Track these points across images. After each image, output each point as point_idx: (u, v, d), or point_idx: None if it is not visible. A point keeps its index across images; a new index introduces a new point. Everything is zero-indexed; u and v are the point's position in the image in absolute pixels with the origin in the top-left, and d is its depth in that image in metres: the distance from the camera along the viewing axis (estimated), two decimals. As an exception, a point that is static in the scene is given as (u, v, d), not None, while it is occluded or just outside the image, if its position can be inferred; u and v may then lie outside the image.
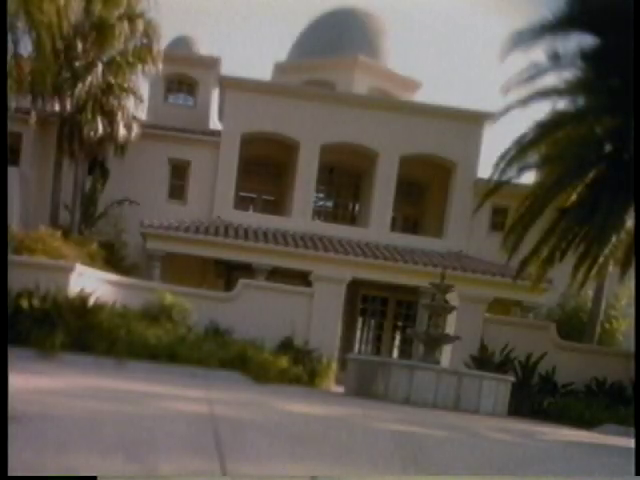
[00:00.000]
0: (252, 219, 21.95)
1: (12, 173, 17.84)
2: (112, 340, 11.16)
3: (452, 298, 14.32)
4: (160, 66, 19.73)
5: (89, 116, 18.71)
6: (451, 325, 14.85)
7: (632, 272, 15.30)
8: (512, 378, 13.11)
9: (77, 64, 18.72)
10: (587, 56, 14.66)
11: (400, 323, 22.95)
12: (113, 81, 19.22)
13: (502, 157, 15.61)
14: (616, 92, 14.09)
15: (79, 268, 13.10)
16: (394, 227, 23.12)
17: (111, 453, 2.15)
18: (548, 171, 16.08)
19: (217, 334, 13.44)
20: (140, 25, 19.07)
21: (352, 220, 24.22)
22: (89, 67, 18.61)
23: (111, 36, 18.66)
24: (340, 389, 13.27)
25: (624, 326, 18.15)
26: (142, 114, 21.60)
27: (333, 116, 21.89)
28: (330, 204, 24.97)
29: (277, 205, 24.13)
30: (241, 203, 23.54)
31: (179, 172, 22.27)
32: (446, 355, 14.64)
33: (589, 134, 15.23)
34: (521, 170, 15.87)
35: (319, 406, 6.45)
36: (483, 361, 14.55)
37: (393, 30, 27.76)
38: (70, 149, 19.06)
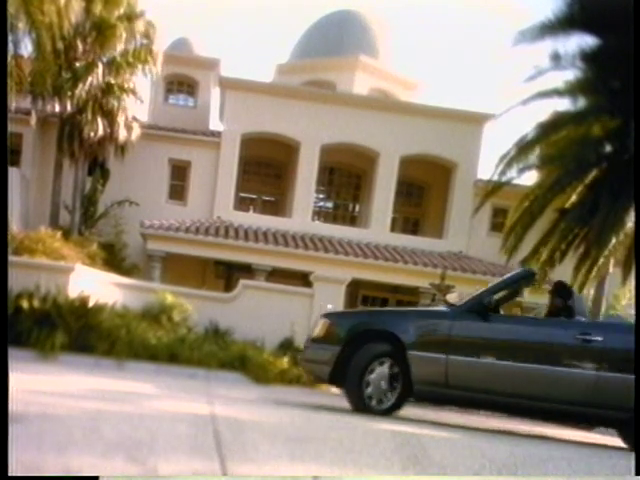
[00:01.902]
0: (252, 220, 21.95)
1: (12, 174, 17.85)
2: (112, 341, 11.15)
3: (452, 299, 14.31)
4: (160, 67, 19.74)
5: (89, 117, 18.72)
6: (451, 325, 14.85)
7: (632, 273, 15.29)
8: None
9: (77, 64, 18.74)
10: (587, 56, 14.66)
11: (400, 323, 22.91)
12: (113, 81, 19.23)
13: (502, 158, 15.62)
14: (616, 92, 14.10)
15: (79, 269, 13.09)
16: (394, 228, 23.12)
17: (111, 453, 2.15)
18: (548, 172, 16.09)
19: (217, 335, 13.44)
20: (140, 26, 19.08)
21: (352, 221, 24.22)
22: (89, 67, 18.62)
23: (111, 36, 18.68)
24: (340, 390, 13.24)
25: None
26: (142, 115, 21.61)
27: (333, 116, 21.90)
28: (330, 204, 24.96)
29: (277, 206, 24.13)
30: (241, 204, 23.55)
31: (179, 173, 22.27)
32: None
33: (589, 134, 15.23)
34: (521, 171, 15.89)
35: (319, 406, 6.45)
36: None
37: (394, 31, 27.78)
38: (70, 150, 19.07)
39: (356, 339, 6.72)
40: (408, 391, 6.58)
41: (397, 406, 6.65)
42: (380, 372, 6.53)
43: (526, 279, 7.25)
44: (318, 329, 7.14)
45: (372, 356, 6.54)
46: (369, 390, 6.51)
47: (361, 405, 6.49)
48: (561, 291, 7.29)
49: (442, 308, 7.09)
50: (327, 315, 7.54)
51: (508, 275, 7.28)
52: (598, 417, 6.61)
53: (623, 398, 6.37)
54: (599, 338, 6.52)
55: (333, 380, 6.87)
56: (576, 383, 6.45)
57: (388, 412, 6.52)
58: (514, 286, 7.12)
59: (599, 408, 6.46)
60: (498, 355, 6.51)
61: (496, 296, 6.84)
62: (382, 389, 6.53)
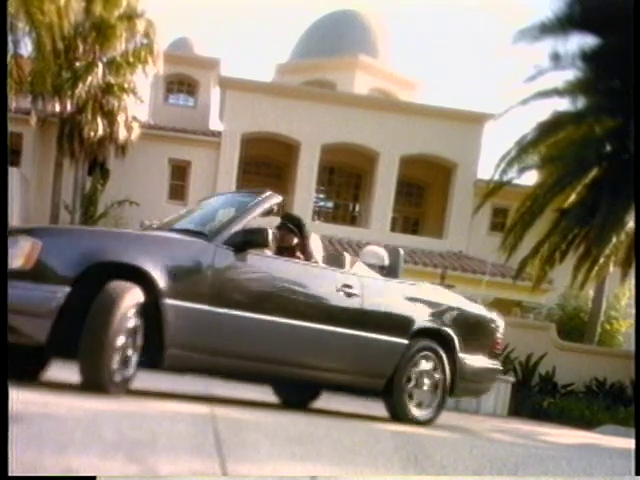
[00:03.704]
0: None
1: (12, 173, 17.85)
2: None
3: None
4: (160, 66, 19.73)
5: (89, 116, 18.70)
6: (451, 325, 14.85)
7: (632, 272, 15.30)
8: (512, 378, 13.12)
9: (77, 64, 18.72)
10: (587, 56, 14.68)
11: (400, 323, 22.92)
12: (113, 81, 19.22)
13: (502, 158, 15.64)
14: (616, 92, 14.11)
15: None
16: (394, 227, 23.12)
17: (111, 453, 2.15)
18: (548, 171, 16.10)
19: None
20: (140, 25, 19.07)
21: (352, 220, 24.22)
22: (89, 67, 18.60)
23: (111, 36, 18.67)
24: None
25: (624, 327, 18.16)
26: (142, 114, 21.60)
27: (333, 116, 21.89)
28: (330, 204, 24.97)
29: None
30: (241, 203, 23.51)
31: (179, 172, 22.27)
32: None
33: (589, 134, 15.25)
34: (521, 170, 15.91)
35: (320, 406, 6.45)
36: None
37: (394, 30, 27.79)
38: (70, 149, 19.05)
39: (90, 276, 4.29)
40: (155, 357, 4.61)
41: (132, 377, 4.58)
42: (131, 328, 4.37)
43: (271, 204, 5.43)
44: (21, 255, 4.21)
45: (122, 304, 4.25)
46: (115, 356, 4.27)
47: (102, 377, 4.23)
48: (291, 225, 5.89)
49: (197, 239, 4.96)
50: (33, 231, 4.50)
51: (253, 201, 5.36)
52: (355, 385, 5.74)
53: (379, 364, 5.63)
54: (357, 292, 5.54)
55: (52, 342, 4.29)
56: (336, 345, 5.40)
57: (126, 386, 4.50)
58: (262, 213, 5.37)
59: (357, 375, 5.59)
60: (260, 308, 5.01)
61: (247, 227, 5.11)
62: (129, 354, 4.39)
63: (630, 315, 17.54)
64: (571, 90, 15.43)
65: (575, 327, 17.35)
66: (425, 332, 5.85)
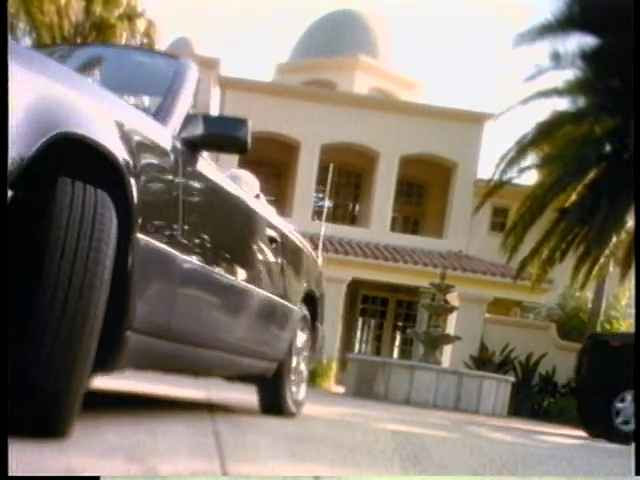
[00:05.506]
0: (252, 219, 21.90)
1: (12, 173, 17.83)
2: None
3: (452, 298, 14.33)
4: (160, 66, 19.75)
5: (89, 116, 18.71)
6: (451, 325, 14.87)
7: (632, 272, 15.31)
8: (512, 378, 13.13)
9: (77, 64, 18.74)
10: (587, 56, 14.69)
11: (400, 323, 22.97)
12: (113, 81, 19.23)
13: (502, 157, 15.66)
14: (616, 92, 14.11)
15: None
16: (394, 227, 23.13)
17: (111, 453, 2.15)
18: (548, 171, 16.12)
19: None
20: (141, 25, 19.10)
21: (352, 220, 24.23)
22: (89, 67, 18.62)
23: (111, 36, 18.68)
24: (340, 389, 13.27)
25: (624, 327, 18.15)
26: (142, 114, 21.60)
27: (333, 116, 21.90)
28: (330, 204, 24.97)
29: (277, 205, 24.04)
30: (241, 203, 23.53)
31: (179, 172, 22.25)
32: (446, 355, 14.66)
33: (589, 134, 15.25)
34: (521, 170, 15.92)
35: (319, 406, 6.45)
36: (483, 361, 14.58)
37: (394, 30, 27.79)
38: (70, 149, 19.07)
39: (44, 168, 1.88)
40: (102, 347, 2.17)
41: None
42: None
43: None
44: None
45: (110, 239, 2.01)
46: None
47: (78, 390, 2.16)
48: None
49: (149, 116, 2.73)
50: None
51: (177, 66, 3.17)
52: (255, 370, 4.02)
53: (282, 338, 4.07)
54: (277, 237, 3.89)
55: None
56: (253, 315, 3.62)
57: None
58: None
59: (259, 355, 3.90)
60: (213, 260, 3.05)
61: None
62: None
63: (630, 315, 17.54)
64: (571, 90, 15.44)
65: (575, 327, 17.35)
66: (306, 296, 4.45)
